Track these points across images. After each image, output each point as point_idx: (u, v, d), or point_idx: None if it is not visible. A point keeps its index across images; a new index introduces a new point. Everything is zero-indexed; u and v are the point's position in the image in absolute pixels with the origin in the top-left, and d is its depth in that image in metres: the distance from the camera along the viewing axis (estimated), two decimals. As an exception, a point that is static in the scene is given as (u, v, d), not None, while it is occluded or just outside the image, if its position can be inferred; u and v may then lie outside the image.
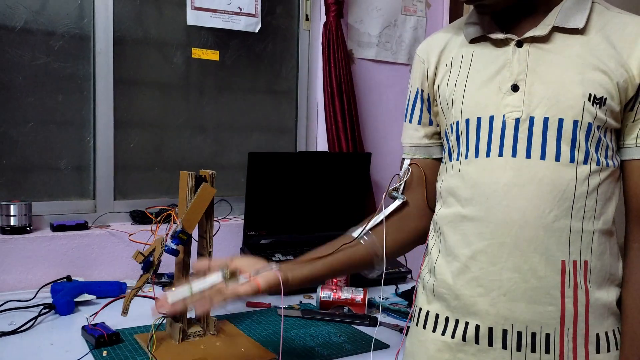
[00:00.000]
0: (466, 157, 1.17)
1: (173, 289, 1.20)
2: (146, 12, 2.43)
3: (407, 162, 1.37)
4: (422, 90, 1.31)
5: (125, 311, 1.50)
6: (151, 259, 1.49)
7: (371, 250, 1.33)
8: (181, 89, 2.53)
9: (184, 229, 1.50)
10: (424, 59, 1.31)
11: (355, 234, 1.34)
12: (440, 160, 1.34)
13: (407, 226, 1.36)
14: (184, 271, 1.59)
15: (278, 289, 1.21)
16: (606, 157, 1.11)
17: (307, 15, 2.75)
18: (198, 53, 2.51)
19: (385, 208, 1.36)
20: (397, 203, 1.35)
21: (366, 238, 1.33)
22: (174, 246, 1.48)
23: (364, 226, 1.35)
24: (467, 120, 1.17)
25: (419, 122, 1.34)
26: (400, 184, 1.36)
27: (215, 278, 1.19)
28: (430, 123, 1.32)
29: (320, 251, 1.32)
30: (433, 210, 1.32)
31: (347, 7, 2.73)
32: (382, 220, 1.34)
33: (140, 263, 1.49)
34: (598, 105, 1.08)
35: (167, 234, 1.51)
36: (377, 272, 1.36)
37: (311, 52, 2.78)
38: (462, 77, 1.20)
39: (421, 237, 1.38)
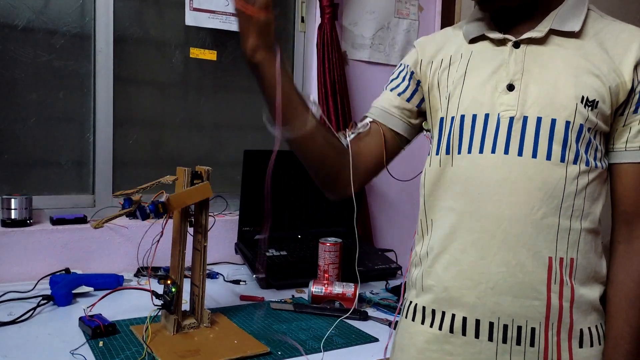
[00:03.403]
0: (459, 152, 1.17)
1: None
2: (146, 13, 2.42)
3: (368, 119, 1.34)
4: (413, 72, 1.31)
5: (99, 224, 1.43)
6: (133, 198, 1.47)
7: (308, 117, 1.20)
8: (179, 88, 2.52)
9: (166, 204, 1.48)
10: (419, 50, 1.31)
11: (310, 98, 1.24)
12: (398, 135, 1.32)
13: (343, 158, 1.27)
14: (179, 266, 1.58)
15: (268, 47, 1.15)
16: (595, 159, 1.12)
17: (302, 17, 2.73)
18: (196, 53, 2.50)
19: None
20: (341, 136, 1.29)
21: (314, 105, 1.23)
22: (147, 209, 1.45)
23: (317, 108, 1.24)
24: (462, 117, 1.16)
25: (399, 94, 1.32)
26: (353, 133, 1.32)
27: None
28: (409, 100, 1.31)
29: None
30: (368, 175, 1.32)
31: (342, 10, 2.72)
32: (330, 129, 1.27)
33: (121, 201, 1.46)
34: (590, 108, 1.08)
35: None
36: (272, 129, 1.21)
37: (306, 53, 2.77)
38: (460, 74, 1.19)
39: (329, 178, 1.29)
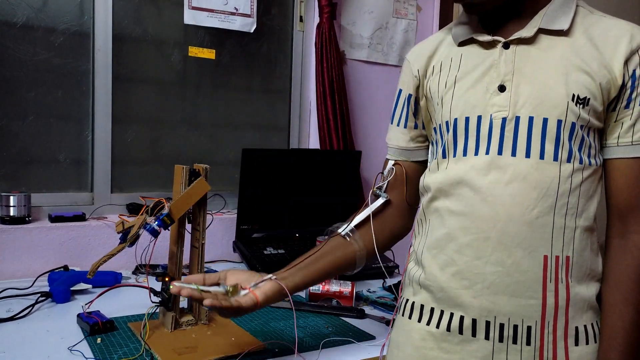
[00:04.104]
0: (454, 155, 1.17)
1: (181, 283, 1.18)
2: (145, 11, 2.42)
3: (391, 162, 1.38)
4: (410, 95, 1.32)
5: (91, 273, 1.48)
6: (131, 231, 1.48)
7: (355, 252, 1.35)
8: (178, 86, 2.52)
9: (170, 214, 1.49)
10: (413, 63, 1.31)
11: (341, 231, 1.36)
12: (422, 163, 1.35)
13: (387, 226, 1.37)
14: (177, 263, 1.58)
15: (274, 299, 1.24)
16: (589, 156, 1.12)
17: (301, 17, 2.74)
18: (195, 51, 2.50)
19: (369, 205, 1.36)
20: (380, 201, 1.36)
21: (351, 234, 1.35)
22: (155, 227, 1.47)
23: (349, 223, 1.36)
24: (456, 120, 1.17)
25: (405, 126, 1.34)
26: (384, 184, 1.37)
27: (218, 289, 1.19)
28: (416, 127, 1.33)
29: (310, 256, 1.35)
30: (413, 209, 1.36)
31: (340, 9, 2.72)
32: (365, 218, 1.36)
33: (118, 233, 1.48)
34: (581, 106, 1.08)
35: (153, 216, 1.49)
36: (357, 271, 1.38)
37: (305, 52, 2.78)
38: (451, 78, 1.20)
39: (399, 236, 1.41)
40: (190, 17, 2.40)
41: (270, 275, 1.26)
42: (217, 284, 1.23)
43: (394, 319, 1.33)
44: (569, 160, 1.09)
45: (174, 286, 1.16)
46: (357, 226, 1.36)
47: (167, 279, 1.57)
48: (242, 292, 1.21)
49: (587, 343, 1.13)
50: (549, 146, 1.09)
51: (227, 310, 1.18)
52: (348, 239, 1.34)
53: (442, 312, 1.17)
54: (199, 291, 1.16)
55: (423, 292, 1.22)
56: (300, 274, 1.30)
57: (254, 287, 1.22)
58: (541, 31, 1.13)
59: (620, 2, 2.80)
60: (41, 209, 2.23)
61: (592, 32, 1.12)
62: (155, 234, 1.48)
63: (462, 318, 1.14)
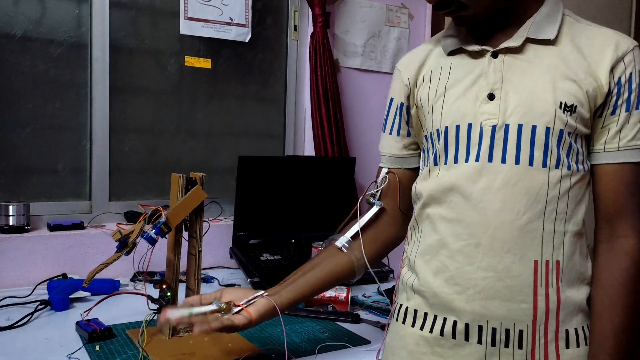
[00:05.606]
0: (445, 163, 1.18)
1: (173, 310, 1.18)
2: (141, 22, 2.42)
3: (384, 170, 1.38)
4: (402, 103, 1.32)
5: (87, 282, 1.48)
6: (128, 240, 1.48)
7: (352, 262, 1.35)
8: (174, 96, 2.52)
9: (167, 222, 1.49)
10: (403, 72, 1.31)
11: (338, 244, 1.35)
12: (415, 170, 1.35)
13: (382, 235, 1.38)
14: (174, 270, 1.58)
15: (269, 316, 1.24)
16: (577, 162, 1.12)
17: (295, 26, 2.74)
18: (191, 61, 2.50)
19: (361, 213, 1.37)
20: (375, 209, 1.36)
21: (347, 245, 1.35)
22: (152, 235, 1.47)
23: (345, 234, 1.36)
24: (446, 128, 1.17)
25: (398, 134, 1.34)
26: (378, 191, 1.37)
27: (211, 307, 1.20)
28: (408, 134, 1.33)
29: (305, 269, 1.34)
30: (406, 216, 1.36)
31: (334, 19, 2.73)
32: (360, 228, 1.36)
33: (116, 241, 1.48)
34: (569, 113, 1.09)
35: (151, 223, 1.49)
36: (356, 280, 1.39)
37: (299, 61, 2.78)
38: (441, 87, 1.20)
39: (394, 243, 1.41)
40: (186, 28, 2.41)
41: (261, 292, 1.26)
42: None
43: (388, 324, 1.33)
44: (557, 167, 1.10)
45: (163, 317, 1.16)
46: (353, 236, 1.36)
47: (164, 286, 1.57)
48: (235, 309, 1.22)
49: (577, 346, 1.13)
50: (538, 153, 1.09)
51: (219, 329, 1.19)
52: (345, 251, 1.34)
53: (435, 317, 1.18)
54: (189, 316, 1.17)
55: (417, 297, 1.22)
56: (293, 288, 1.30)
57: (246, 304, 1.23)
58: (529, 40, 1.14)
59: (610, 9, 2.81)
60: (40, 218, 2.23)
61: (579, 40, 1.13)
62: (152, 242, 1.48)
63: (455, 323, 1.15)
